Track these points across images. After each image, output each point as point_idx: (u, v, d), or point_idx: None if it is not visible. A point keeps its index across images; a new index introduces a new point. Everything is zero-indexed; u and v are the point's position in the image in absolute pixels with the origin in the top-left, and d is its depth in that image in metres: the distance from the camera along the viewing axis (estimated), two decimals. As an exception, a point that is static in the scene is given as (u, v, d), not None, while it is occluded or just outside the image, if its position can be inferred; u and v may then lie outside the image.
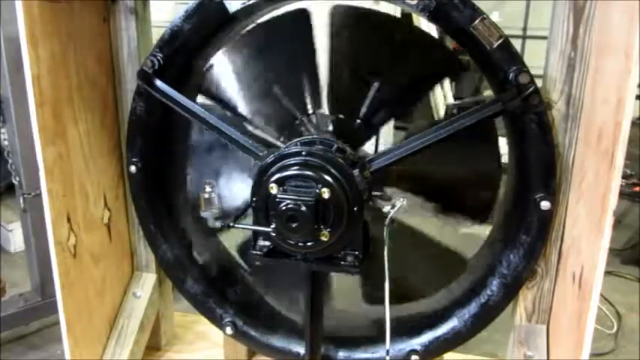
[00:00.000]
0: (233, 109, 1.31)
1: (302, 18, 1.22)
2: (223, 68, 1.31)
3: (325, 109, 1.26)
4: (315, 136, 1.18)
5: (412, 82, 1.22)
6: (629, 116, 0.91)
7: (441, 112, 4.56)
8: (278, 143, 1.26)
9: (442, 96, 4.77)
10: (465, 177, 1.23)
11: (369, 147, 1.27)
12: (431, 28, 2.82)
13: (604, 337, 2.52)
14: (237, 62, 1.30)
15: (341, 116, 1.24)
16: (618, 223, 3.62)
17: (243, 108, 1.31)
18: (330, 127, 1.23)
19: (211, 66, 1.30)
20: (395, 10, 2.47)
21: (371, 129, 1.24)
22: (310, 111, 1.25)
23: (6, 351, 2.36)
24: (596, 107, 1.07)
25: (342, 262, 1.12)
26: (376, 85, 1.19)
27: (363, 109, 1.21)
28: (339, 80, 1.23)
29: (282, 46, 1.28)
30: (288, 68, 1.27)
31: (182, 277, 1.43)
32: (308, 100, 1.26)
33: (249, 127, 1.31)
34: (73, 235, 1.33)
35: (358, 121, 1.22)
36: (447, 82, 4.73)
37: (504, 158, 1.21)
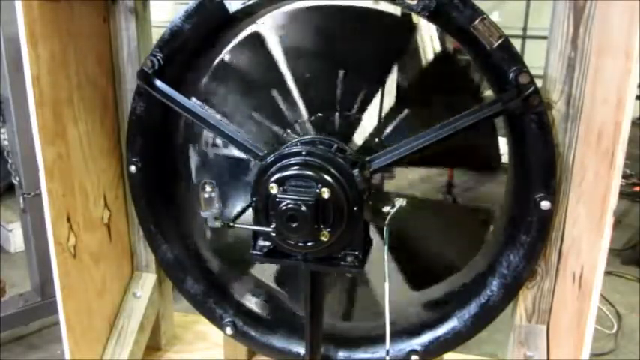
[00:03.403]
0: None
1: (257, 42, 1.25)
2: (209, 96, 1.33)
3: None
4: (315, 136, 1.18)
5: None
6: (629, 116, 0.91)
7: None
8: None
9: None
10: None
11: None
12: (431, 28, 2.81)
13: (604, 337, 2.53)
14: (219, 91, 1.33)
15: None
16: (618, 223, 3.62)
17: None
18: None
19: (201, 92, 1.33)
20: (395, 11, 2.46)
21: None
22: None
23: (6, 351, 2.36)
24: (596, 107, 1.06)
25: (342, 262, 1.12)
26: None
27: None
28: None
29: (249, 72, 1.31)
30: (258, 92, 1.30)
31: (182, 277, 1.43)
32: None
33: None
34: (73, 235, 1.33)
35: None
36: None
37: (504, 158, 1.21)
